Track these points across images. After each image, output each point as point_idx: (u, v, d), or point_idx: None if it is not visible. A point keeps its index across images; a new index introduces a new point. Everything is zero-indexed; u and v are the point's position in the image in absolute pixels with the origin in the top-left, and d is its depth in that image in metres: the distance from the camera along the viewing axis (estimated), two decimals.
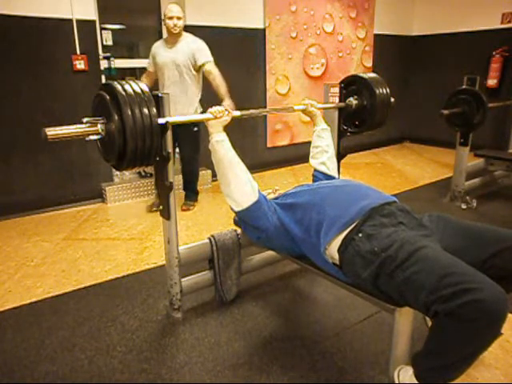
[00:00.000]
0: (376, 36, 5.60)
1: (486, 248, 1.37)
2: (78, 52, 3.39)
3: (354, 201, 1.52)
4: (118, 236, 2.98)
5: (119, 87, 1.46)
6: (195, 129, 3.32)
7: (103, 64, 3.66)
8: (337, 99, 2.38)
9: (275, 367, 1.61)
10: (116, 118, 1.43)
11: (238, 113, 1.89)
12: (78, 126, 1.47)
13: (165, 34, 3.62)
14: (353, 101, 2.31)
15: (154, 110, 1.50)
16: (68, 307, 2.06)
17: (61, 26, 3.30)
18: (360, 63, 5.53)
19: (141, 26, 4.27)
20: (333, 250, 1.48)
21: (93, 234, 3.03)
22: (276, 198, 1.80)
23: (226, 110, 1.77)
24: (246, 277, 2.18)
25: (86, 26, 3.41)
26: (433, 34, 5.84)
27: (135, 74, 4.16)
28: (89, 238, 2.95)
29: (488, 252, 1.35)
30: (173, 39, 3.24)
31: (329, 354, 1.69)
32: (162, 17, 3.23)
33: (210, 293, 2.09)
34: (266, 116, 4.67)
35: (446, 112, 3.28)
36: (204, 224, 3.15)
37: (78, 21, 3.35)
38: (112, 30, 3.79)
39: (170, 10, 3.14)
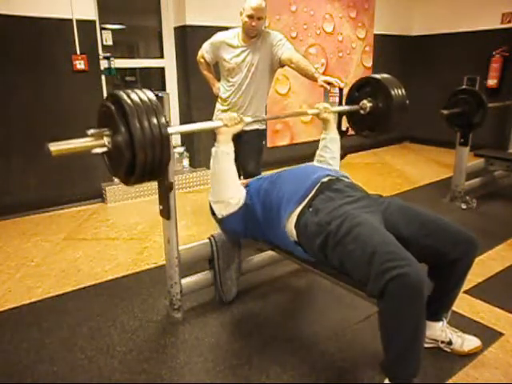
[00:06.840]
0: (376, 36, 5.60)
1: (422, 229, 1.48)
2: (78, 52, 3.39)
3: (306, 177, 1.70)
4: (117, 236, 2.98)
5: (125, 96, 1.39)
6: (263, 142, 2.78)
7: (103, 64, 3.66)
8: (337, 99, 2.36)
9: (275, 367, 1.61)
10: (123, 129, 1.36)
11: (249, 119, 1.86)
12: (83, 139, 1.41)
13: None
14: (367, 103, 2.20)
15: (163, 119, 1.43)
16: (68, 307, 2.06)
17: (61, 26, 3.30)
18: (360, 63, 5.53)
19: (141, 26, 4.27)
20: (291, 226, 1.61)
21: (93, 234, 3.03)
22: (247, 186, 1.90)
23: (238, 117, 1.75)
24: (245, 277, 2.18)
25: (86, 25, 3.41)
26: (433, 34, 5.84)
27: (135, 73, 4.16)
28: (89, 237, 2.95)
29: (424, 231, 1.47)
30: None
31: (329, 354, 1.69)
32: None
33: (210, 293, 2.09)
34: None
35: (445, 112, 3.28)
36: (204, 224, 3.15)
37: (78, 21, 3.35)
38: (112, 29, 3.79)
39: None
